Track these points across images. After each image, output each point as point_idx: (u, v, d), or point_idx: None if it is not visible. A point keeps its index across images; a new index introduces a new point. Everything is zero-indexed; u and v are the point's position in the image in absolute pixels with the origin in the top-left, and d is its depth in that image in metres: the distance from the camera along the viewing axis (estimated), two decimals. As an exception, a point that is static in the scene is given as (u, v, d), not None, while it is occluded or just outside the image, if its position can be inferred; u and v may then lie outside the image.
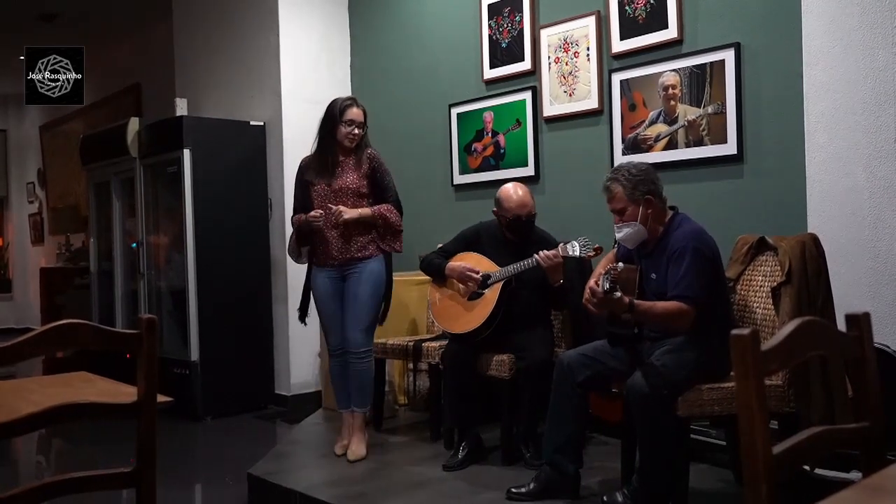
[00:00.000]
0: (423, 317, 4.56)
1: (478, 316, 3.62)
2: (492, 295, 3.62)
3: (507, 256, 3.65)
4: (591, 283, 2.98)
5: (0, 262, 11.79)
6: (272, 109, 5.53)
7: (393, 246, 3.80)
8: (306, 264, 3.93)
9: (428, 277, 3.98)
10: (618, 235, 3.02)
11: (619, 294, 2.77)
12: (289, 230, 5.34)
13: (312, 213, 3.72)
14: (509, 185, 3.72)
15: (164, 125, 5.56)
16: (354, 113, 3.72)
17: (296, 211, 3.89)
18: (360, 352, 3.75)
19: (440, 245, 4.10)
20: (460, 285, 3.73)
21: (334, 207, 3.68)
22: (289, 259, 5.37)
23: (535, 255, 3.46)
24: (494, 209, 3.74)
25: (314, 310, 3.92)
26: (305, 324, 4.03)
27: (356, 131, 3.72)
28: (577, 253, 3.37)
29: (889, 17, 3.03)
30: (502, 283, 3.61)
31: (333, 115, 3.74)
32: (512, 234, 3.70)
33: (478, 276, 3.65)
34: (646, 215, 2.93)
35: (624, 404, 2.98)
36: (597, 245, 3.35)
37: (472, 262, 3.75)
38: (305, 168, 3.85)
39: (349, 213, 3.68)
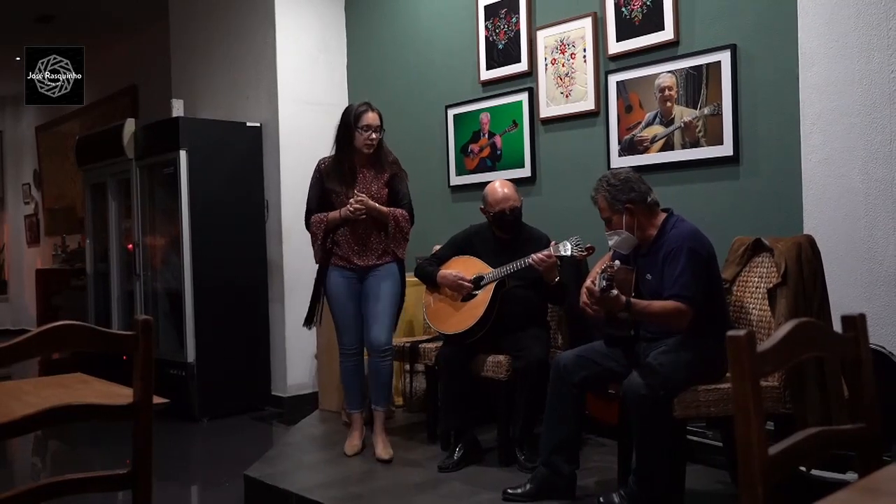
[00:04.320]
0: (419, 318, 4.56)
1: (470, 316, 3.63)
2: (485, 295, 3.63)
3: (500, 256, 3.66)
4: (588, 283, 2.99)
5: (-5, 263, 11.77)
6: (269, 110, 5.53)
7: (396, 251, 3.79)
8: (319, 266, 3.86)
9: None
10: (610, 243, 3.05)
11: (615, 292, 2.78)
12: (288, 230, 5.41)
13: (352, 202, 3.63)
14: (495, 182, 3.78)
15: (160, 126, 5.56)
16: (370, 118, 3.70)
17: (311, 211, 3.82)
18: (383, 350, 3.77)
19: (436, 247, 4.11)
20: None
21: (356, 200, 3.64)
22: (285, 260, 5.43)
23: (529, 258, 3.47)
24: (481, 206, 3.78)
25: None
26: (310, 328, 4.00)
27: (373, 136, 3.71)
28: (570, 252, 3.38)
29: (884, 19, 3.04)
30: (495, 283, 3.61)
31: (348, 123, 3.71)
32: (500, 231, 3.72)
33: (469, 285, 3.67)
34: (630, 223, 2.95)
35: (620, 405, 2.99)
36: (589, 244, 3.37)
37: (465, 265, 3.76)
38: (326, 174, 3.79)
39: (371, 202, 3.67)
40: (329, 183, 3.77)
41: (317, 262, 3.83)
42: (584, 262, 3.62)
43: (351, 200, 3.65)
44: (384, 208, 3.73)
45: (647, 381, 2.74)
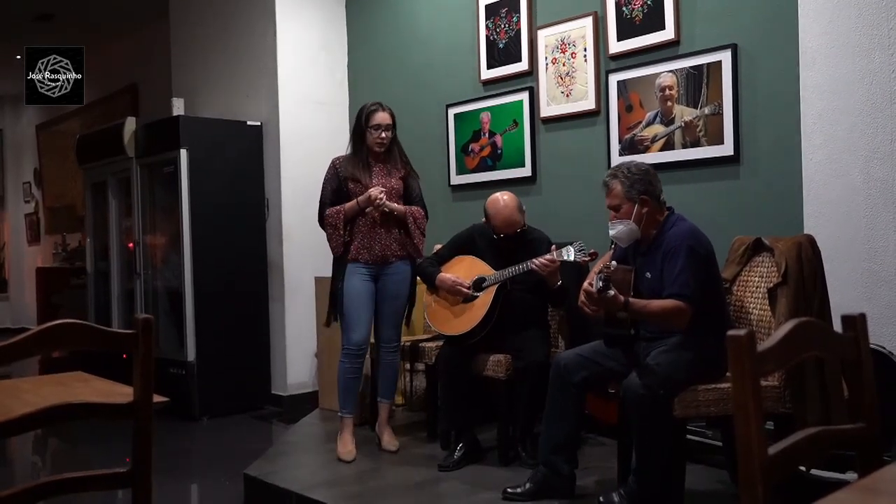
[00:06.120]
0: (420, 317, 4.56)
1: (471, 318, 3.63)
2: (486, 298, 3.63)
3: (502, 258, 3.66)
4: (585, 284, 2.99)
5: (-4, 262, 11.77)
6: (269, 109, 5.53)
7: (418, 247, 3.84)
8: (334, 262, 3.87)
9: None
10: (611, 232, 3.03)
11: (612, 292, 2.78)
12: (288, 229, 5.41)
13: (372, 192, 3.66)
14: (497, 200, 3.69)
15: (160, 125, 5.56)
16: (380, 117, 3.76)
17: (325, 205, 3.82)
18: (392, 345, 3.89)
19: (437, 246, 4.11)
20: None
21: (375, 192, 3.66)
22: (285, 259, 5.43)
23: (531, 263, 3.46)
24: (484, 220, 3.76)
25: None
26: (329, 325, 3.99)
27: (384, 135, 3.77)
28: (572, 258, 3.38)
29: (885, 18, 3.04)
30: (497, 286, 3.61)
31: (360, 122, 3.79)
32: (503, 245, 3.71)
33: (467, 290, 3.67)
34: (640, 214, 2.95)
35: (620, 405, 2.98)
36: (592, 250, 3.37)
37: (468, 265, 3.76)
38: (341, 167, 3.82)
39: (390, 203, 3.73)
40: (345, 174, 3.80)
41: (335, 253, 3.82)
42: (585, 265, 3.62)
43: (371, 190, 3.68)
44: (402, 207, 3.78)
45: (646, 380, 2.74)
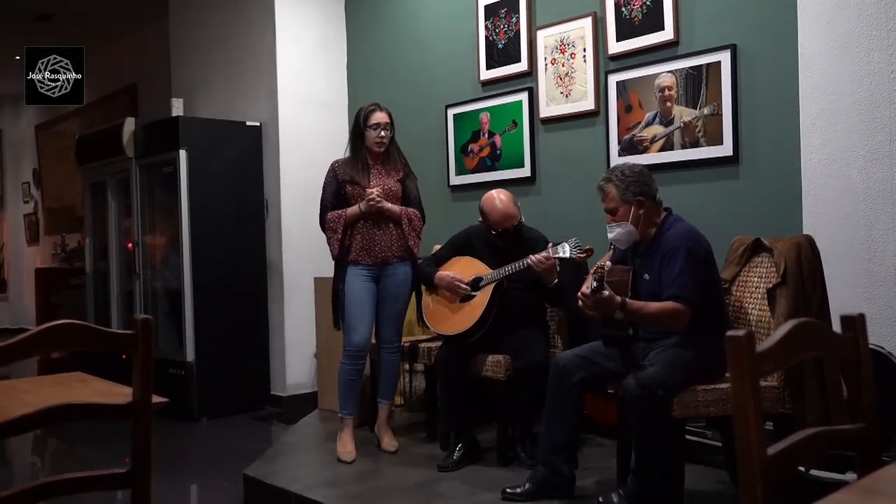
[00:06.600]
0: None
1: (469, 317, 3.63)
2: (483, 297, 3.63)
3: (499, 258, 3.67)
4: (584, 287, 2.99)
5: (-5, 262, 11.76)
6: (268, 110, 5.53)
7: (413, 249, 3.86)
8: (336, 264, 3.88)
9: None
10: (610, 235, 3.03)
11: (606, 292, 2.78)
12: (287, 230, 5.41)
13: (370, 193, 3.71)
14: (493, 197, 3.71)
15: (160, 125, 5.56)
16: (378, 117, 3.81)
17: (326, 209, 3.85)
18: (393, 346, 3.91)
19: (436, 247, 4.11)
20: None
21: (372, 190, 3.71)
22: (285, 259, 5.43)
23: (527, 260, 3.46)
24: (480, 219, 3.76)
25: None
26: (339, 329, 3.97)
27: (383, 134, 3.81)
28: (568, 254, 3.37)
29: (884, 19, 3.04)
30: (494, 284, 3.61)
31: (359, 123, 3.84)
32: (501, 242, 3.71)
33: (466, 287, 3.68)
34: (637, 216, 2.95)
35: (619, 405, 2.98)
36: (588, 246, 3.36)
37: (465, 266, 3.76)
38: (340, 170, 3.86)
39: (386, 203, 3.76)
40: (343, 176, 3.83)
41: (334, 257, 3.85)
42: (584, 263, 3.61)
43: (368, 190, 3.72)
44: (396, 207, 3.80)
45: (645, 381, 2.74)
